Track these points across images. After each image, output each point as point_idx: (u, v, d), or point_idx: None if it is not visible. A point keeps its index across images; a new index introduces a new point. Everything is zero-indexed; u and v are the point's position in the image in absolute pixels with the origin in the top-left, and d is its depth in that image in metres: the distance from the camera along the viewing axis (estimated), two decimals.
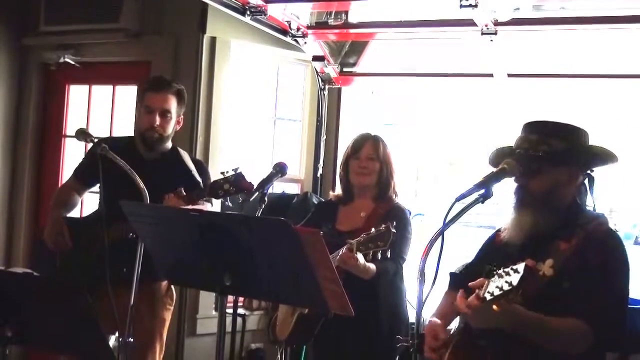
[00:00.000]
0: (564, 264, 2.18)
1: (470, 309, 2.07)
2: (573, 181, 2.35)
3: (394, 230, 2.88)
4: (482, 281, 2.05)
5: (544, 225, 2.30)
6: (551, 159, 2.30)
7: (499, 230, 2.49)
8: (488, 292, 1.96)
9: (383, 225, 2.90)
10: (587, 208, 2.39)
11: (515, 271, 1.94)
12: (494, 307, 1.97)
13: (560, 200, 2.33)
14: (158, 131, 3.26)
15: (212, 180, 3.18)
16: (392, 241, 2.88)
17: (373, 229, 2.93)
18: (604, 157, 2.37)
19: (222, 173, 2.96)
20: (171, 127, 3.33)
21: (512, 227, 2.36)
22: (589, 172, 2.39)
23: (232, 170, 2.95)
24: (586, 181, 2.39)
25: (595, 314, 2.13)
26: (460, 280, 2.54)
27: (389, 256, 2.93)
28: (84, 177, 3.44)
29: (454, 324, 2.51)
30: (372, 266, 3.01)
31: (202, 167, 3.46)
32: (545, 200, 2.31)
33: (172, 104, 3.29)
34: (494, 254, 2.43)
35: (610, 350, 2.33)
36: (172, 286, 3.37)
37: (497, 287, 1.95)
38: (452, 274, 2.66)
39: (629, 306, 3.73)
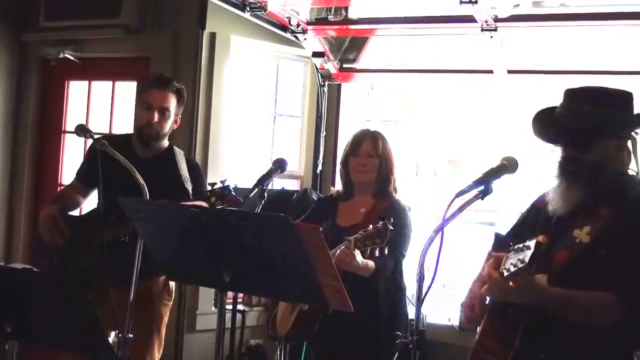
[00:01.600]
0: (601, 231, 2.14)
1: (490, 281, 2.06)
2: (622, 150, 2.28)
3: (391, 228, 2.88)
4: (501, 255, 2.05)
5: (592, 197, 2.23)
6: (605, 132, 2.23)
7: (542, 198, 2.42)
8: (505, 268, 1.96)
9: (380, 222, 2.90)
10: (631, 173, 2.31)
11: (527, 248, 1.93)
12: (510, 283, 1.96)
13: (610, 171, 2.25)
14: (155, 128, 3.26)
15: (201, 189, 3.19)
16: (389, 238, 2.88)
17: (371, 226, 2.93)
18: None
19: (210, 185, 2.96)
20: (169, 126, 3.33)
21: (558, 197, 2.29)
22: (633, 134, 2.31)
23: (220, 182, 2.94)
24: (629, 143, 2.31)
25: (625, 283, 2.08)
26: (504, 241, 2.49)
27: (386, 253, 2.93)
28: (85, 177, 3.43)
29: None
30: (370, 263, 3.01)
31: (196, 169, 3.45)
32: (597, 172, 2.23)
33: (172, 102, 3.30)
34: (534, 219, 2.40)
35: None
36: (170, 282, 3.36)
37: (511, 263, 1.94)
38: (497, 235, 2.58)
39: None
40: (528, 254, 1.91)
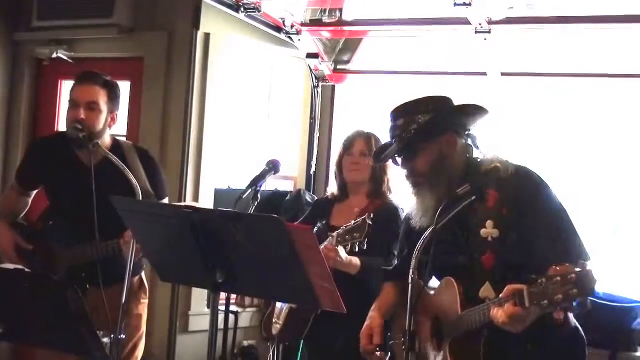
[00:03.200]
0: (500, 219, 2.21)
1: (512, 318, 1.99)
2: (454, 147, 2.35)
3: (369, 222, 2.90)
4: (514, 289, 1.97)
5: (444, 195, 2.29)
6: (422, 135, 2.32)
7: (407, 217, 2.52)
8: (527, 298, 1.90)
9: (360, 218, 2.94)
10: (479, 159, 2.39)
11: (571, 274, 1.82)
12: (555, 315, 1.91)
13: (451, 168, 2.34)
14: (85, 126, 2.95)
15: (159, 184, 3.14)
16: (367, 232, 2.91)
17: (352, 222, 2.96)
18: (471, 112, 2.38)
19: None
20: (101, 122, 3.04)
21: (418, 212, 2.37)
22: (467, 132, 2.39)
23: (192, 202, 2.91)
24: (469, 141, 2.39)
25: (563, 250, 2.13)
26: (391, 272, 2.68)
27: (365, 247, 2.95)
28: (28, 179, 3.29)
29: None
30: (355, 259, 3.02)
31: (150, 163, 3.21)
32: (436, 174, 2.32)
33: (100, 96, 3.03)
34: (416, 240, 2.36)
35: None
36: (144, 280, 3.32)
37: (553, 294, 1.86)
38: (384, 270, 2.74)
39: (617, 304, 3.78)
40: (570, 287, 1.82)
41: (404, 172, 2.42)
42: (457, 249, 2.32)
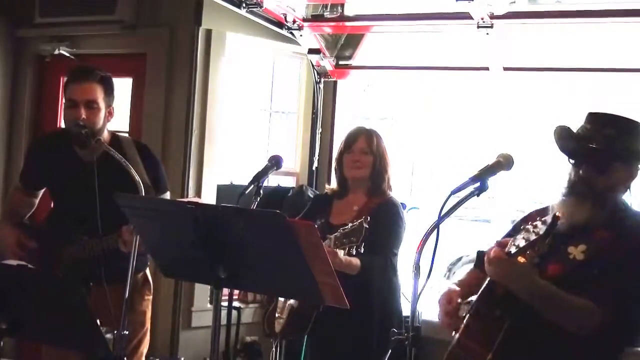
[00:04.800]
0: (596, 251, 2.18)
1: (495, 260, 2.08)
2: (632, 178, 2.34)
3: (366, 226, 2.86)
4: (507, 240, 2.08)
5: (594, 219, 2.27)
6: (623, 158, 2.28)
7: (535, 212, 2.45)
8: (514, 245, 1.97)
9: (357, 221, 2.90)
10: (630, 203, 2.37)
11: (544, 222, 1.94)
12: (520, 258, 1.97)
13: (616, 197, 2.32)
14: (87, 125, 2.94)
15: (159, 178, 3.13)
16: (364, 237, 2.87)
17: (349, 225, 2.93)
18: None
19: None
20: (101, 120, 3.02)
21: (569, 212, 2.30)
22: None
23: (195, 198, 2.88)
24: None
25: (609, 296, 2.13)
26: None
27: (362, 251, 2.91)
28: (31, 180, 3.28)
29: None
30: (355, 260, 3.00)
31: (150, 157, 3.18)
32: (606, 197, 2.29)
33: (98, 93, 3.00)
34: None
35: (620, 338, 2.28)
36: (149, 277, 3.31)
37: (523, 238, 1.94)
38: (479, 252, 2.60)
39: None
40: (543, 227, 1.91)
41: (573, 173, 2.34)
42: (540, 246, 2.28)
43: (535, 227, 1.97)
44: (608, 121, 2.34)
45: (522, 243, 1.97)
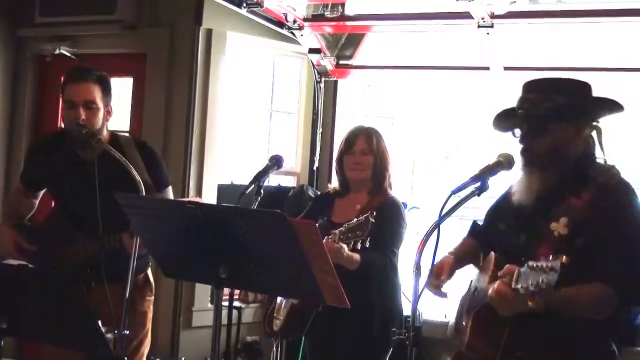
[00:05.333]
0: (577, 221, 2.17)
1: (499, 296, 2.07)
2: (579, 135, 2.29)
3: (372, 220, 2.88)
4: (511, 269, 2.03)
5: (554, 183, 2.26)
6: (554, 116, 2.25)
7: (510, 190, 2.45)
8: (522, 287, 1.93)
9: (363, 216, 2.92)
10: (598, 160, 2.33)
11: (551, 269, 1.89)
12: (529, 303, 1.95)
13: (567, 157, 2.28)
14: (86, 125, 2.93)
15: (160, 178, 3.12)
16: (370, 231, 2.88)
17: (354, 219, 2.94)
18: (608, 106, 2.32)
19: None
20: (100, 120, 3.03)
21: (521, 188, 2.32)
22: (595, 123, 2.32)
23: (196, 198, 2.87)
24: (594, 133, 2.33)
25: (616, 274, 2.11)
26: (478, 231, 2.61)
27: (367, 245, 2.93)
28: (32, 181, 3.28)
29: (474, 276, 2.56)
30: (355, 255, 3.01)
31: (151, 156, 3.17)
32: (552, 158, 2.26)
33: (96, 93, 3.00)
34: (506, 214, 2.42)
35: (634, 304, 2.30)
36: (150, 278, 3.30)
37: (532, 283, 1.90)
38: (475, 223, 2.66)
39: None
40: (554, 276, 1.88)
41: (520, 146, 2.34)
42: (523, 230, 2.31)
43: (543, 270, 1.91)
44: (534, 86, 2.33)
45: (530, 287, 1.91)
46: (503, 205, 2.50)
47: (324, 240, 2.98)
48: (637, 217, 2.20)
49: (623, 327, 2.30)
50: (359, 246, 2.93)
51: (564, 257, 1.98)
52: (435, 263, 2.40)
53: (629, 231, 2.16)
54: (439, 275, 2.48)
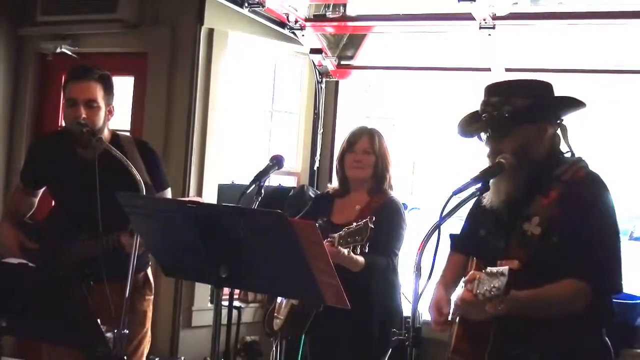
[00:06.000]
0: (548, 219, 2.19)
1: (464, 303, 2.09)
2: (543, 135, 2.31)
3: (371, 226, 2.88)
4: (473, 275, 2.06)
5: (523, 184, 2.28)
6: (516, 118, 2.26)
7: (481, 195, 2.43)
8: (480, 293, 1.97)
9: (362, 221, 2.91)
10: (565, 155, 2.35)
11: (502, 274, 1.94)
12: (487, 308, 1.97)
13: (533, 157, 2.29)
14: (87, 124, 2.93)
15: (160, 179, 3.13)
16: (369, 237, 2.88)
17: (354, 224, 2.94)
18: (570, 104, 2.34)
19: None
20: (101, 119, 3.02)
21: (492, 192, 2.32)
22: (559, 121, 2.35)
23: (196, 197, 2.85)
24: (559, 131, 2.35)
25: (587, 266, 2.13)
26: (461, 243, 2.60)
27: (366, 250, 2.93)
28: (30, 179, 3.29)
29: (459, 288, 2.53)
30: (360, 258, 3.01)
31: (151, 157, 3.18)
32: (519, 159, 2.27)
33: (97, 92, 3.00)
34: (483, 219, 2.42)
35: (612, 293, 2.29)
36: (150, 277, 3.30)
37: (486, 289, 1.95)
38: (452, 236, 2.65)
39: (621, 301, 3.77)
40: (503, 281, 1.92)
41: (485, 150, 2.36)
42: (498, 233, 2.32)
43: (495, 276, 1.94)
44: (495, 89, 2.34)
45: (486, 293, 1.94)
46: (477, 211, 2.50)
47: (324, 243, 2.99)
48: (605, 208, 2.22)
49: (611, 312, 2.29)
50: (357, 251, 2.93)
51: (517, 262, 2.02)
52: (430, 304, 2.45)
53: (598, 224, 2.18)
54: (440, 313, 2.45)
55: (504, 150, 2.28)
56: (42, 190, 3.33)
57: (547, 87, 2.37)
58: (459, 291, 2.28)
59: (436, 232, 2.22)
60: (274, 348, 3.55)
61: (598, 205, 2.21)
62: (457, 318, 2.33)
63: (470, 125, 2.40)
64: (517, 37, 4.19)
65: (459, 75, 4.57)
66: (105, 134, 3.10)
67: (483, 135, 2.36)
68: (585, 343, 2.22)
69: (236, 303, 4.50)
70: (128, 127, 4.69)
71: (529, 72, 4.26)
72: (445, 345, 2.53)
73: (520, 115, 2.26)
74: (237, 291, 4.44)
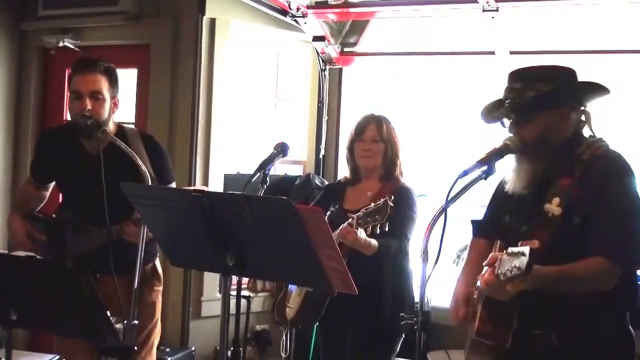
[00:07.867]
0: (569, 199, 2.18)
1: (487, 285, 2.10)
2: (566, 121, 2.30)
3: (391, 204, 2.89)
4: (494, 257, 2.07)
5: (544, 169, 2.28)
6: (539, 104, 2.26)
7: (503, 180, 2.46)
8: (501, 273, 1.96)
9: (381, 200, 2.92)
10: (586, 137, 2.34)
11: (522, 254, 1.93)
12: (508, 287, 1.96)
13: (555, 142, 2.29)
14: (92, 116, 2.94)
15: (165, 173, 3.13)
16: (389, 215, 2.90)
17: (372, 204, 2.95)
18: (594, 90, 2.33)
19: None
20: (106, 111, 3.02)
21: (513, 177, 2.34)
22: (583, 108, 2.34)
23: (202, 186, 2.84)
24: (583, 117, 2.34)
25: (611, 245, 2.12)
26: (484, 227, 2.59)
27: (387, 230, 2.94)
28: (40, 173, 3.30)
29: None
30: (373, 241, 3.02)
31: (157, 152, 3.17)
32: (540, 145, 2.27)
33: (102, 84, 3.00)
34: (507, 203, 2.42)
35: (635, 267, 2.28)
36: (158, 268, 3.31)
37: (507, 269, 1.94)
38: (474, 222, 2.66)
39: None
40: (524, 261, 1.92)
41: (508, 134, 2.35)
42: (521, 216, 2.32)
43: (516, 255, 1.94)
44: (518, 75, 2.33)
45: (507, 273, 1.94)
46: (500, 196, 2.50)
47: (342, 226, 2.99)
48: (626, 185, 2.21)
49: (634, 293, 2.28)
50: (377, 231, 2.94)
51: (537, 242, 2.02)
52: (451, 303, 2.47)
53: (619, 200, 2.17)
54: (457, 311, 2.47)
55: (527, 135, 2.28)
56: (52, 184, 3.34)
57: (570, 72, 2.35)
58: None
59: (442, 216, 2.22)
60: (284, 337, 3.56)
61: (618, 182, 2.20)
62: (482, 301, 2.33)
63: (494, 111, 2.39)
64: (521, 19, 4.16)
65: (463, 59, 4.55)
66: (111, 126, 3.10)
67: (506, 121, 2.35)
68: (607, 329, 2.22)
69: (245, 292, 4.51)
70: (132, 120, 4.68)
71: (534, 55, 4.25)
72: (455, 330, 2.53)
73: (543, 100, 2.25)
74: (245, 280, 4.45)
